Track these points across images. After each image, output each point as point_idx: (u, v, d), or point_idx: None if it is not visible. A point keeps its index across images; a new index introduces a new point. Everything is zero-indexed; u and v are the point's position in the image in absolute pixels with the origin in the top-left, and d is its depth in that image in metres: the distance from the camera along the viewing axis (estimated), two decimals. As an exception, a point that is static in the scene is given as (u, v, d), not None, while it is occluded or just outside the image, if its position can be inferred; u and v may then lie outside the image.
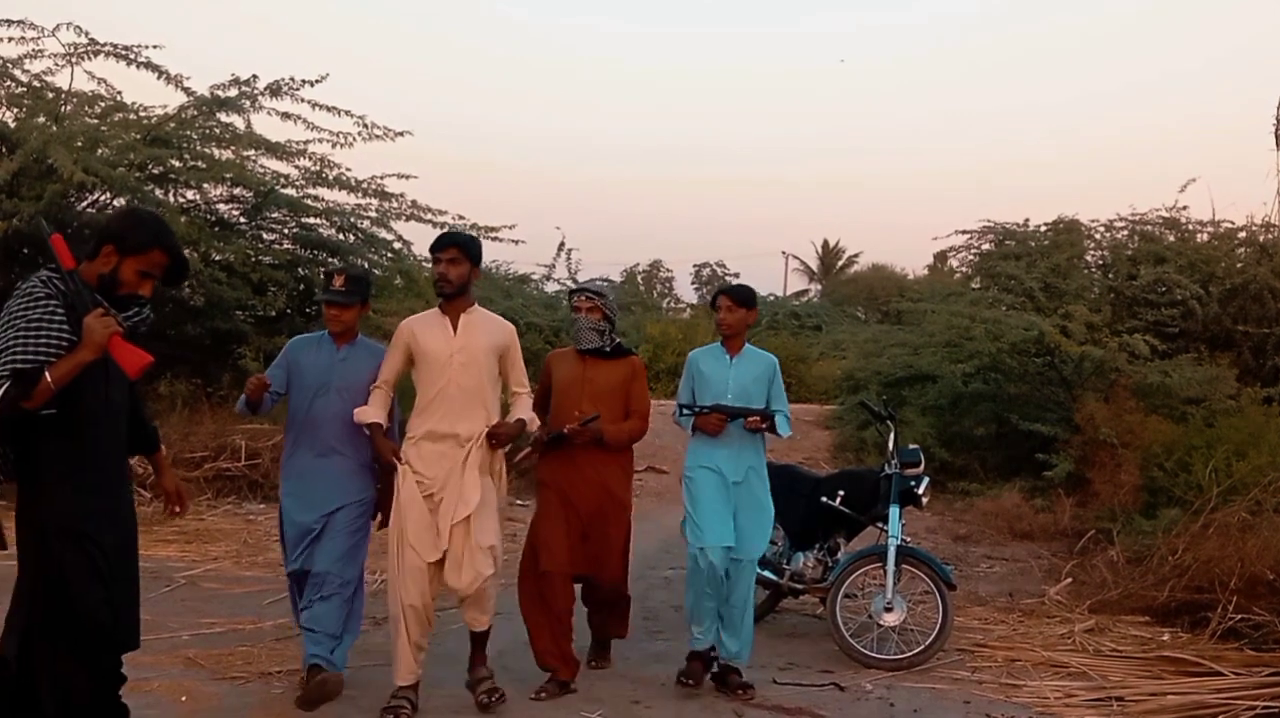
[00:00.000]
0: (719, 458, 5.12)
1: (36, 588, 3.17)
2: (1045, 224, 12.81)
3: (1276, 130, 13.22)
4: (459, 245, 4.72)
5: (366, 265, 11.63)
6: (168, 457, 3.76)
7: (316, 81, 10.77)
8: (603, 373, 5.19)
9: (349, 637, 4.70)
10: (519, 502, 9.38)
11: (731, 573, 5.06)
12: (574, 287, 5.11)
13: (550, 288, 17.77)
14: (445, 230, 4.69)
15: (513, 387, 4.84)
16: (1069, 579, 7.51)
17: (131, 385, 3.45)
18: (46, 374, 3.04)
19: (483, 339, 4.69)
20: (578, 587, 5.22)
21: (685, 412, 5.23)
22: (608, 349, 5.21)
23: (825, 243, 49.35)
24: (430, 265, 5.12)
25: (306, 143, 11.13)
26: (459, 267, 4.67)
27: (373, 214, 12.09)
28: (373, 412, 4.66)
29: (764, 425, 5.10)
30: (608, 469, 5.14)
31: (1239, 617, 5.93)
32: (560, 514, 5.06)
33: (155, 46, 10.47)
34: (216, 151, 10.93)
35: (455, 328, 4.68)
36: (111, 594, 3.21)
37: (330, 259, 11.79)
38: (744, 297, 5.27)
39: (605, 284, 5.26)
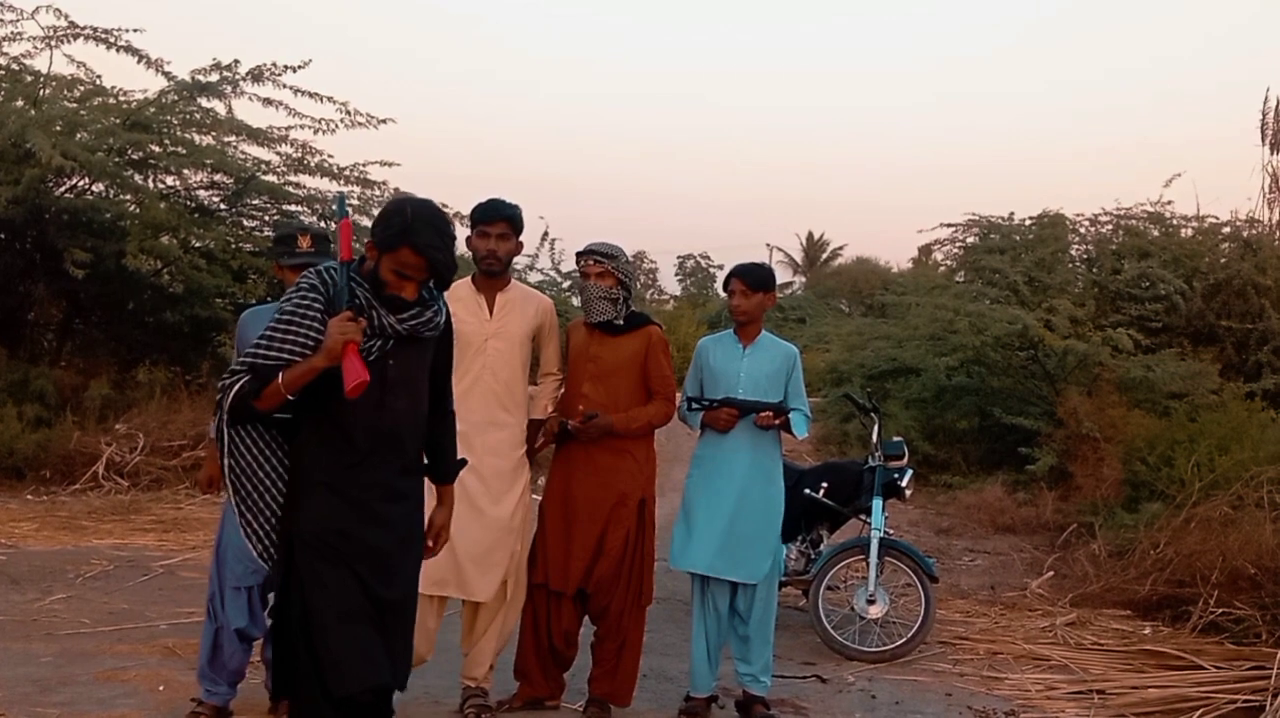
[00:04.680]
0: (727, 460, 4.54)
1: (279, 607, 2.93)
2: (1030, 218, 12.86)
3: (1262, 125, 13.31)
4: (510, 219, 4.24)
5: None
6: (451, 492, 3.35)
7: (299, 67, 10.68)
8: (610, 349, 4.44)
9: None
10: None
11: (740, 601, 4.60)
12: (580, 249, 4.48)
13: (533, 278, 17.69)
14: (491, 199, 4.30)
15: (543, 366, 4.45)
16: (1051, 573, 7.54)
17: (440, 402, 3.14)
18: (280, 376, 2.77)
19: (521, 323, 4.28)
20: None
21: (693, 405, 4.59)
22: (619, 321, 4.45)
23: (810, 235, 49.31)
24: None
25: (288, 129, 11.05)
26: (508, 243, 4.25)
27: (355, 202, 12.00)
28: None
29: (776, 422, 4.49)
30: (620, 464, 4.41)
31: (1220, 611, 5.96)
32: (556, 519, 4.45)
33: (135, 30, 10.39)
34: (197, 137, 10.83)
35: (491, 309, 4.26)
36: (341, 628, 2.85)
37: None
38: (759, 279, 4.59)
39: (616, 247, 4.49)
